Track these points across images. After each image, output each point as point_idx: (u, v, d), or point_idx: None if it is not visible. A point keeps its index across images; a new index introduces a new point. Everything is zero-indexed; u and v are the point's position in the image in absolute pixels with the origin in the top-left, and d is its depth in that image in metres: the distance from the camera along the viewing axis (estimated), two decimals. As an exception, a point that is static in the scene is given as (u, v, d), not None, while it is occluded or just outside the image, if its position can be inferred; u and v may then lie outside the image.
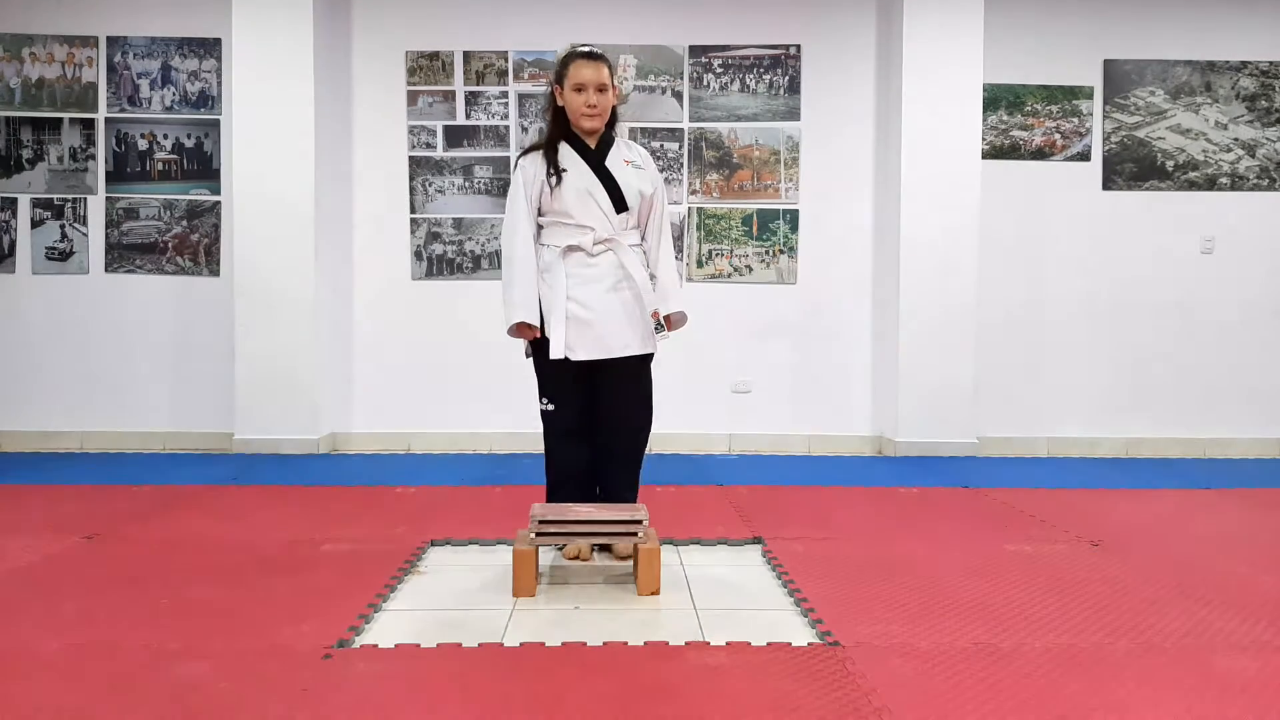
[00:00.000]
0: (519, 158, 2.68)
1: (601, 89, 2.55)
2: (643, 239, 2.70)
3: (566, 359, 2.53)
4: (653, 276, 2.66)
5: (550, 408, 2.63)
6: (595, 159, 2.60)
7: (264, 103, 4.49)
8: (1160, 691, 1.71)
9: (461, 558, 2.65)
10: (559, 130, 2.63)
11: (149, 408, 4.78)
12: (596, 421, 2.64)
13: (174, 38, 4.75)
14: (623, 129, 2.77)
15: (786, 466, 4.35)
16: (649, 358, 2.67)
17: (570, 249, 2.57)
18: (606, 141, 2.64)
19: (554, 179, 2.56)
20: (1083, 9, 4.82)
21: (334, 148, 4.72)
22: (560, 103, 2.60)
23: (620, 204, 2.60)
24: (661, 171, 4.75)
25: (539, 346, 2.60)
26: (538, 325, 2.55)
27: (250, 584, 2.34)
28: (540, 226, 2.63)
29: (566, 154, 2.60)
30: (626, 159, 2.64)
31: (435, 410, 4.80)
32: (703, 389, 4.81)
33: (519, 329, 2.56)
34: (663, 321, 2.64)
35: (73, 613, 2.11)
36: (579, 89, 2.54)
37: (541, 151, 2.62)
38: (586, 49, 2.59)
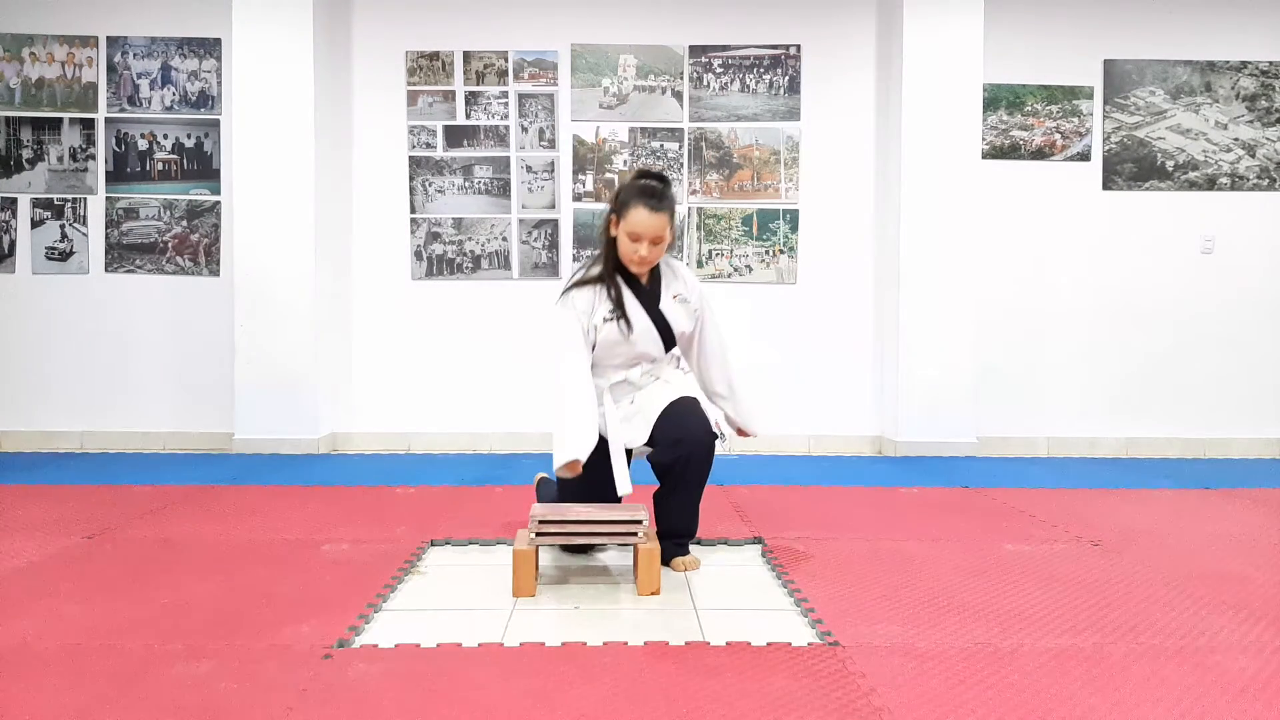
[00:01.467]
0: (568, 290, 2.55)
1: (657, 241, 2.44)
2: (694, 353, 2.69)
3: (594, 491, 2.52)
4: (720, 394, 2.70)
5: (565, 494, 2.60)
6: (650, 299, 2.54)
7: (264, 103, 4.50)
8: (1160, 691, 1.71)
9: (461, 558, 2.65)
10: (615, 262, 2.52)
11: (149, 408, 4.79)
12: (657, 455, 2.54)
13: (174, 38, 4.75)
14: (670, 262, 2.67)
15: (786, 466, 4.35)
16: (697, 401, 2.59)
17: (615, 385, 2.58)
18: (657, 273, 2.57)
19: (623, 323, 2.50)
20: (1083, 9, 4.82)
21: (334, 148, 4.72)
22: (614, 232, 2.49)
23: (670, 344, 2.59)
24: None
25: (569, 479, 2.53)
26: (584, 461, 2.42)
27: (250, 584, 2.34)
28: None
29: (626, 296, 2.52)
30: (675, 293, 2.58)
31: (435, 410, 4.80)
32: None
33: (568, 465, 2.41)
34: (732, 431, 2.70)
35: (73, 613, 2.11)
36: (635, 238, 2.43)
37: (600, 288, 2.52)
38: (651, 188, 2.43)
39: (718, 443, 2.55)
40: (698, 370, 2.72)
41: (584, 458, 2.40)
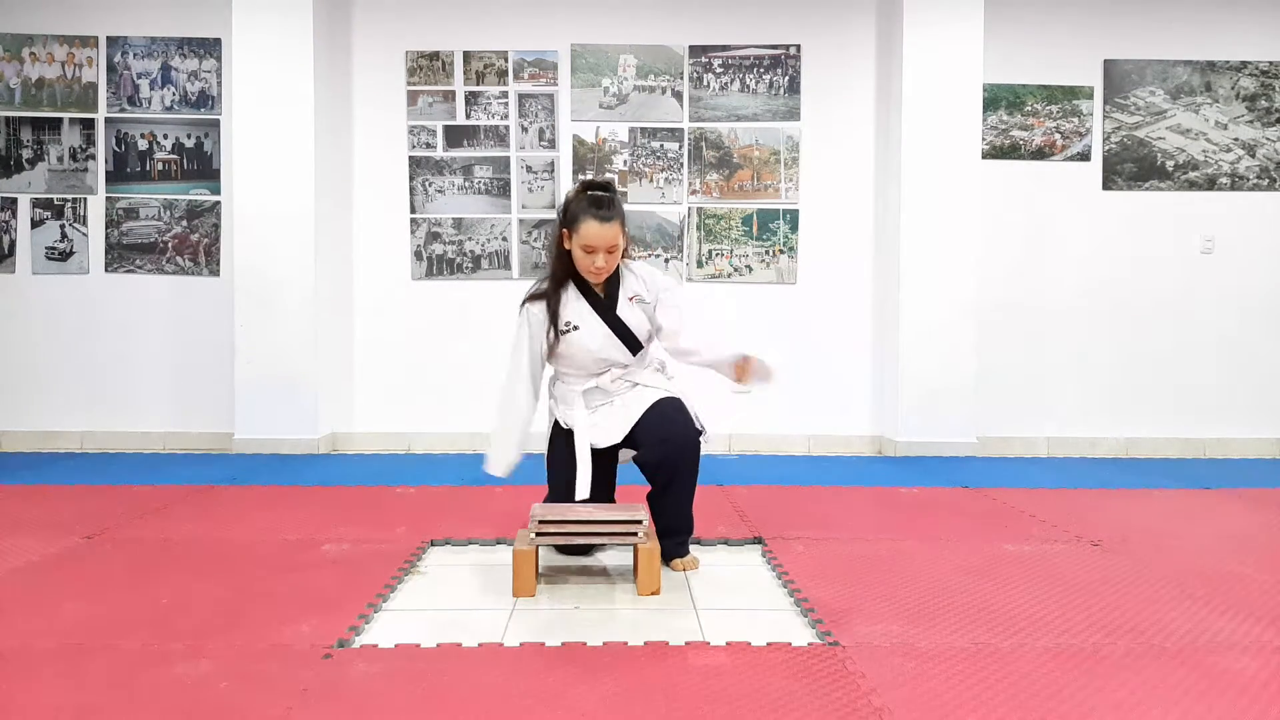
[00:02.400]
0: (525, 303, 2.59)
1: (612, 250, 2.46)
2: (675, 350, 2.66)
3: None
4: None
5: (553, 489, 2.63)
6: (605, 306, 2.54)
7: (264, 103, 4.50)
8: (1160, 691, 1.71)
9: (461, 558, 2.65)
10: (565, 272, 2.54)
11: (149, 408, 4.79)
12: (644, 455, 2.54)
13: (174, 38, 4.75)
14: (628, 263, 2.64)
15: (786, 466, 4.35)
16: (681, 401, 2.59)
17: (587, 391, 2.59)
18: (614, 279, 2.57)
19: (579, 333, 2.53)
20: (1083, 9, 4.82)
21: (334, 148, 4.72)
22: (567, 246, 2.50)
23: (635, 347, 2.58)
24: (661, 171, 4.79)
25: (554, 456, 2.63)
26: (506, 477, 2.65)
27: (250, 584, 2.34)
28: (553, 367, 2.65)
29: (575, 303, 2.54)
30: (632, 294, 2.57)
31: (435, 410, 4.80)
32: (703, 389, 4.79)
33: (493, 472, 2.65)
34: (747, 372, 2.57)
35: (73, 613, 2.11)
36: (589, 250, 2.44)
37: (549, 294, 2.55)
38: (599, 199, 2.44)
39: (702, 439, 2.54)
40: (671, 348, 2.66)
41: (502, 474, 2.64)
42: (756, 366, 2.58)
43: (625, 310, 2.57)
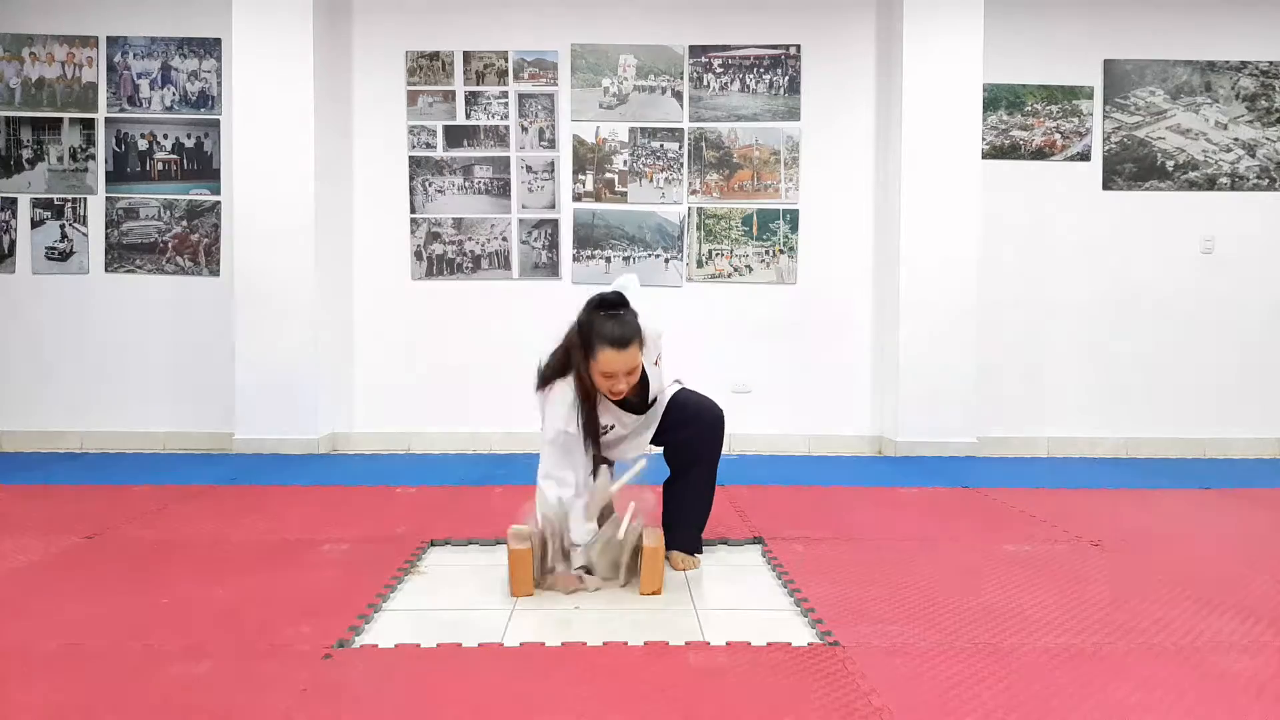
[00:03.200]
0: (546, 385, 2.43)
1: (632, 371, 2.36)
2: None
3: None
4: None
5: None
6: (637, 406, 2.51)
7: (264, 103, 4.50)
8: (1160, 691, 1.71)
9: (461, 558, 2.65)
10: (589, 388, 2.40)
11: (149, 408, 4.79)
12: (665, 439, 2.56)
13: (174, 38, 4.75)
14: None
15: (786, 466, 4.35)
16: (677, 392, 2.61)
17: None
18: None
19: (604, 432, 2.49)
20: (1083, 9, 4.82)
21: (334, 148, 4.72)
22: (585, 370, 2.36)
23: (649, 399, 2.54)
24: (661, 171, 4.79)
25: None
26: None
27: (250, 584, 2.34)
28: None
29: (610, 409, 2.48)
30: (655, 359, 2.50)
31: (435, 410, 4.80)
32: (702, 389, 4.79)
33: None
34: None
35: (73, 613, 2.11)
36: (610, 376, 2.35)
37: (576, 398, 2.39)
38: (613, 331, 2.31)
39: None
40: None
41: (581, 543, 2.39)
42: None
43: (653, 376, 2.51)
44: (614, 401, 2.47)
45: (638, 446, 2.59)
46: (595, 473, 2.51)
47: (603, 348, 2.32)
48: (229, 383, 4.60)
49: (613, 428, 2.52)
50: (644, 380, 2.47)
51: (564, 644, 1.94)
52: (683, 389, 2.63)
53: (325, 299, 4.63)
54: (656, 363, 2.53)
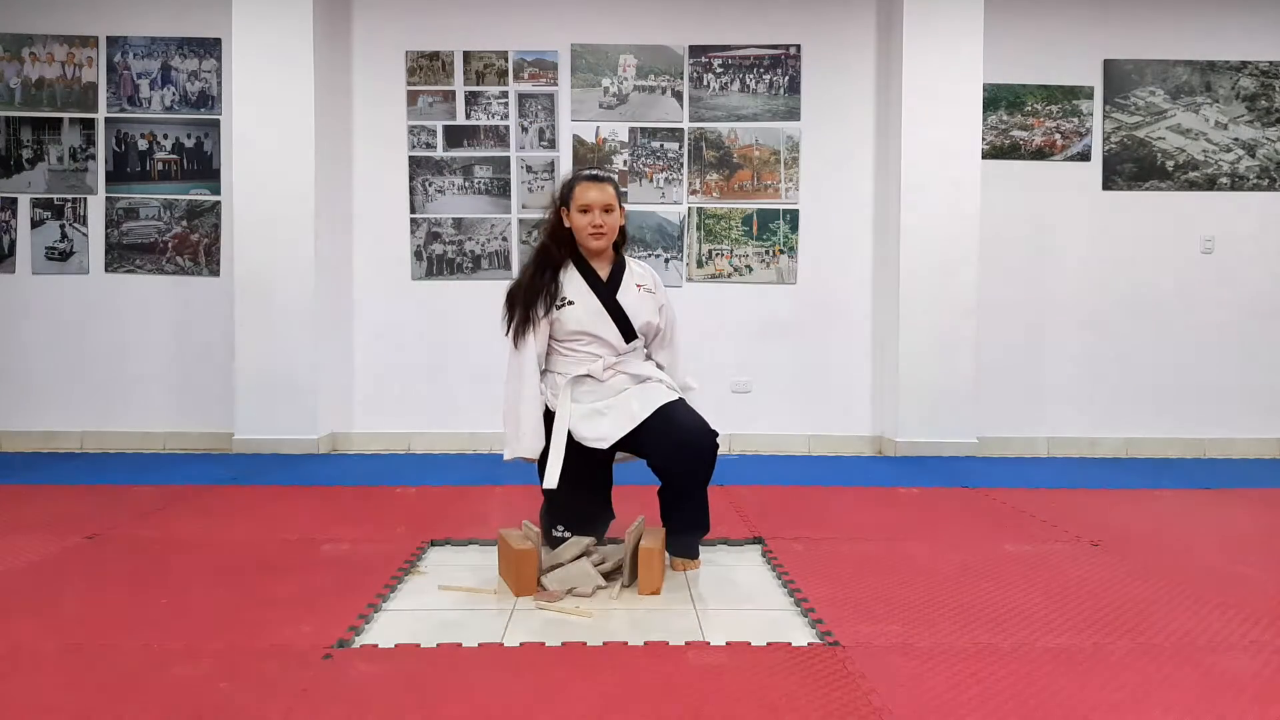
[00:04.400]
0: (525, 270, 2.60)
1: (608, 209, 2.51)
2: (649, 354, 2.68)
3: (579, 491, 2.50)
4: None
5: (565, 536, 2.52)
6: (606, 290, 2.55)
7: (264, 103, 4.50)
8: (1160, 691, 1.71)
9: (461, 558, 2.65)
10: (566, 252, 2.57)
11: (149, 408, 4.79)
12: (659, 461, 2.52)
13: (174, 38, 4.75)
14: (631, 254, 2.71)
15: (786, 466, 4.35)
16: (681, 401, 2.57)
17: (578, 379, 2.54)
18: (619, 267, 2.60)
19: (575, 308, 2.51)
20: (1083, 9, 4.82)
21: (334, 148, 4.72)
22: (567, 224, 2.56)
23: (630, 335, 2.57)
24: (661, 171, 4.79)
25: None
26: (537, 456, 2.50)
27: (250, 584, 2.34)
28: (549, 352, 2.59)
29: (575, 282, 2.55)
30: (638, 283, 2.60)
31: (435, 410, 4.81)
32: (703, 389, 4.79)
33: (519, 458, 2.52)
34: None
35: (73, 613, 2.11)
36: (585, 210, 2.50)
37: (547, 271, 2.54)
38: (591, 172, 2.57)
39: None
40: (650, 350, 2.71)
41: (535, 457, 2.48)
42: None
43: (629, 295, 2.57)
44: (583, 278, 2.53)
45: (626, 409, 2.51)
46: (596, 521, 2.53)
47: (579, 184, 2.53)
48: (229, 383, 4.60)
49: (571, 303, 2.52)
50: (620, 264, 2.59)
51: (564, 644, 1.94)
52: (680, 402, 2.54)
53: (325, 299, 4.63)
54: (660, 310, 2.64)
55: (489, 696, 1.67)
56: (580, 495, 2.54)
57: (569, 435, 2.48)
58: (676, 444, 2.46)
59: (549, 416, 2.52)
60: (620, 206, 2.57)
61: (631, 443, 2.51)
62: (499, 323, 2.56)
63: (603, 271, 2.58)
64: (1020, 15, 4.79)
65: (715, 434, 2.50)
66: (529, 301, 2.51)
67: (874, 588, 2.34)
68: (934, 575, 2.46)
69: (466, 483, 3.80)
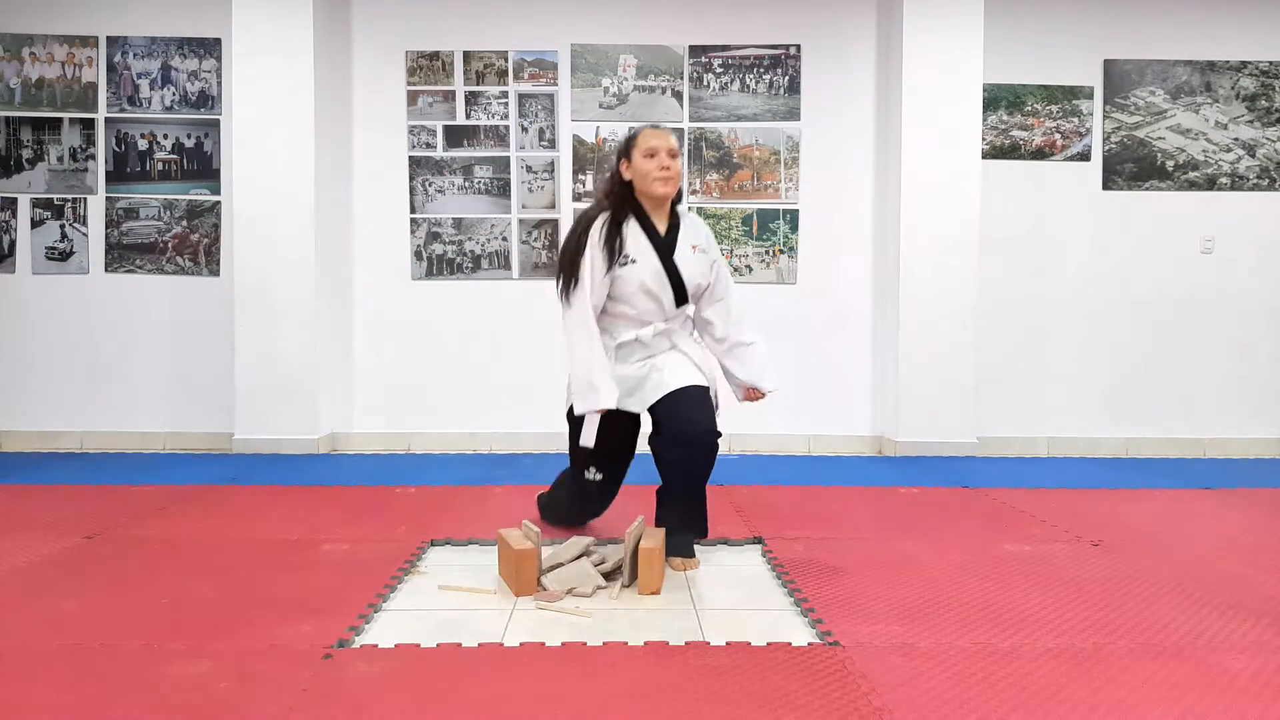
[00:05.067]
0: (588, 217, 2.54)
1: (673, 154, 2.50)
2: (697, 314, 2.68)
3: (617, 426, 2.52)
4: (735, 348, 2.68)
5: (598, 478, 2.59)
6: (665, 247, 2.52)
7: (264, 103, 4.50)
8: (1160, 691, 1.71)
9: (461, 558, 2.65)
10: (625, 206, 2.53)
11: (149, 408, 4.79)
12: (658, 444, 2.55)
13: (174, 38, 4.75)
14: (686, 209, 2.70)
15: (786, 466, 4.35)
16: (708, 392, 2.60)
17: (623, 344, 2.54)
18: (675, 223, 2.58)
19: (624, 262, 2.49)
20: (1083, 9, 4.82)
21: (334, 148, 4.72)
22: (627, 176, 2.53)
23: (682, 299, 2.55)
24: (661, 171, 4.79)
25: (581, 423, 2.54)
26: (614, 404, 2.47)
27: (250, 584, 2.34)
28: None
29: (637, 237, 2.51)
30: (694, 244, 2.58)
31: (435, 410, 4.80)
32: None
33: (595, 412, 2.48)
34: (735, 391, 2.68)
35: (73, 613, 2.11)
36: (651, 154, 2.48)
37: (609, 224, 2.50)
38: (655, 122, 2.63)
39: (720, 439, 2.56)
40: (701, 322, 2.69)
41: (613, 404, 2.45)
42: (765, 391, 2.69)
43: (684, 255, 2.55)
44: (648, 238, 2.48)
45: (677, 371, 2.53)
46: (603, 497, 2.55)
47: (642, 131, 2.52)
48: (229, 383, 4.60)
49: (634, 261, 2.48)
50: (675, 221, 2.55)
51: (564, 644, 1.94)
52: (696, 390, 2.55)
53: (325, 299, 4.63)
54: (713, 266, 2.62)
55: (489, 696, 1.67)
56: (606, 458, 2.59)
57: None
58: (674, 434, 2.49)
59: None
60: (680, 149, 2.57)
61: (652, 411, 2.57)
62: (554, 288, 2.54)
63: (661, 226, 2.55)
64: (1020, 15, 4.79)
65: (717, 434, 2.52)
66: (579, 252, 2.48)
67: (874, 588, 2.34)
68: (934, 575, 2.46)
69: (466, 483, 3.80)
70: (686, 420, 2.48)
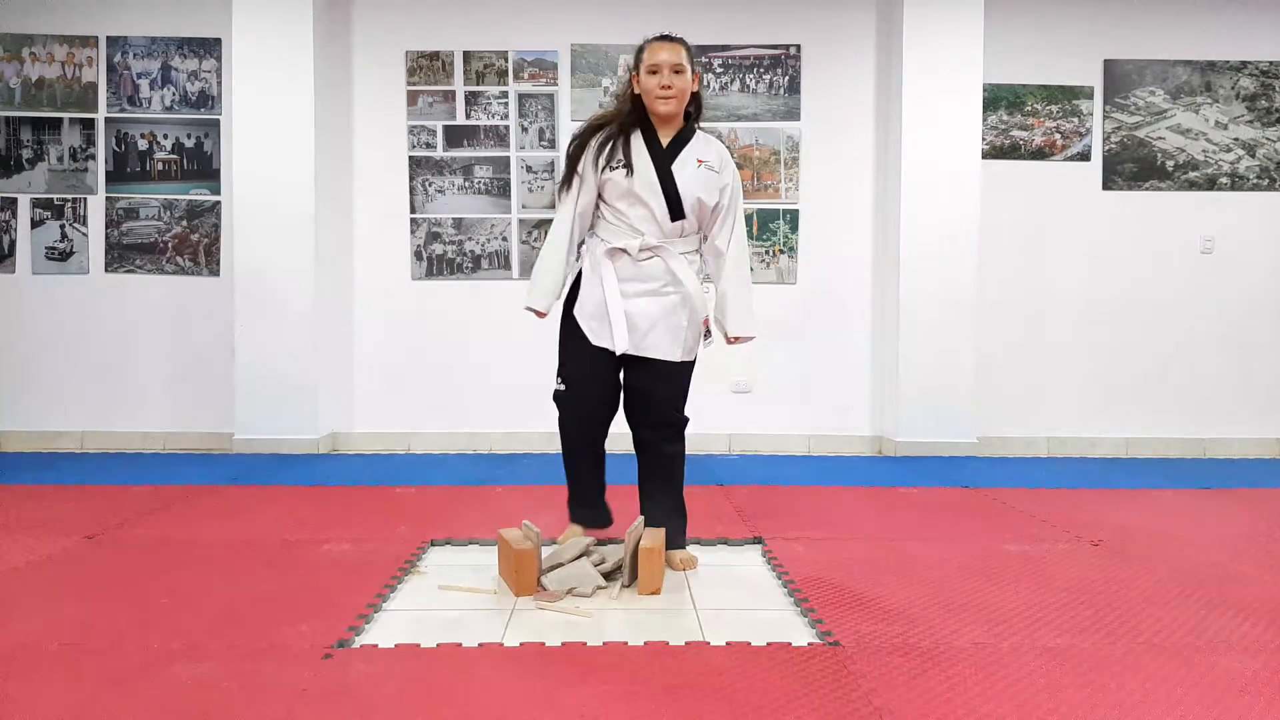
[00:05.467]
0: (589, 125, 2.53)
1: (677, 70, 2.43)
2: (702, 244, 2.58)
3: (597, 349, 2.47)
4: (714, 292, 2.58)
5: (563, 389, 2.52)
6: (663, 159, 2.46)
7: (264, 103, 4.50)
8: (1160, 691, 1.71)
9: (461, 558, 2.65)
10: (635, 116, 2.49)
11: (149, 408, 4.79)
12: (632, 426, 2.56)
13: (174, 38, 4.75)
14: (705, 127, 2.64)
15: (786, 466, 4.35)
16: (688, 365, 2.56)
17: (615, 251, 2.47)
18: (683, 137, 2.51)
19: (615, 166, 2.44)
20: (1083, 9, 4.82)
21: (334, 148, 4.72)
22: (637, 90, 2.49)
23: (677, 212, 2.46)
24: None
25: (572, 330, 2.50)
26: (546, 313, 2.53)
27: (250, 584, 2.34)
28: (596, 211, 2.54)
29: (636, 145, 2.47)
30: (700, 158, 2.49)
31: (435, 410, 4.80)
32: (703, 389, 4.74)
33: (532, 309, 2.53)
34: (720, 334, 2.59)
35: (73, 613, 2.11)
36: (653, 70, 2.44)
37: (611, 128, 2.48)
38: (664, 34, 2.53)
39: (703, 344, 2.57)
40: (708, 235, 2.60)
41: (544, 309, 2.51)
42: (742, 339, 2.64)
43: (685, 169, 2.47)
44: (648, 148, 2.44)
45: (671, 328, 2.49)
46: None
47: (649, 44, 2.49)
48: (229, 383, 4.60)
49: (626, 167, 2.43)
50: (687, 135, 2.50)
51: (564, 644, 1.94)
52: (675, 369, 2.51)
53: (325, 299, 4.63)
54: (722, 190, 2.53)
55: (489, 696, 1.67)
56: (590, 400, 2.54)
57: (580, 336, 2.49)
58: (637, 415, 2.55)
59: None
60: (694, 71, 2.49)
61: (618, 372, 2.54)
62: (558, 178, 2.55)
63: (665, 139, 2.50)
64: (1020, 15, 4.79)
65: (684, 419, 2.57)
66: (577, 156, 2.48)
67: (874, 588, 2.34)
68: (934, 575, 2.46)
69: (466, 483, 3.80)
70: (654, 408, 2.53)
